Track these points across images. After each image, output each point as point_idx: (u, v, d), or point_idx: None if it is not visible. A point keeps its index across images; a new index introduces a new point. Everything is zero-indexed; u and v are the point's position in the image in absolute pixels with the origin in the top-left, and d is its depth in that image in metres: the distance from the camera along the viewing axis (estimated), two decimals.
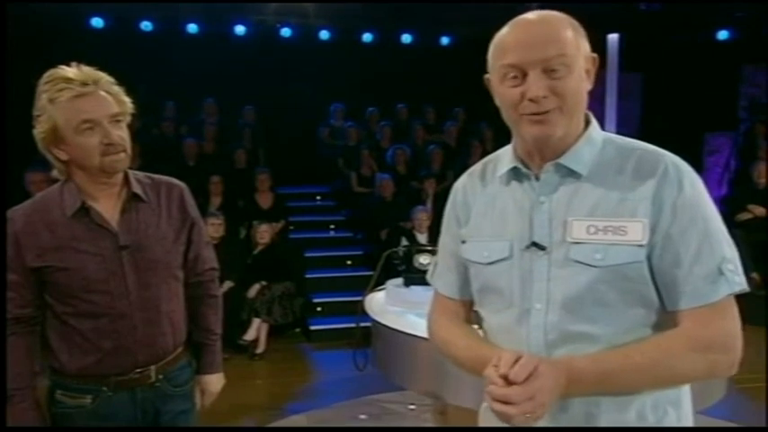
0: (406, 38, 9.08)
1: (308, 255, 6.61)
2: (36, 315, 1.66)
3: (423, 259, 2.67)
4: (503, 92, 1.16)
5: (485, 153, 7.27)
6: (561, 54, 1.11)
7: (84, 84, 1.53)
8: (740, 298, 1.16)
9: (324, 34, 8.78)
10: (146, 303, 1.65)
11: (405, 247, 2.92)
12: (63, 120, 1.53)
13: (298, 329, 5.88)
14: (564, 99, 1.12)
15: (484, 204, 1.26)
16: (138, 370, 1.66)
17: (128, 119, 1.62)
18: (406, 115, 8.58)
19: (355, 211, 7.26)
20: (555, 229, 1.15)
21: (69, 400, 1.65)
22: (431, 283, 1.41)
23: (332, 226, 7.37)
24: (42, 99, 1.54)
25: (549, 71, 1.11)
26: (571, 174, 1.17)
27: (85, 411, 1.64)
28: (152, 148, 6.37)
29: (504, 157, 1.25)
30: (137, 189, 1.67)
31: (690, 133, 8.51)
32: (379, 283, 2.97)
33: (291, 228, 6.80)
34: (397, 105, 8.66)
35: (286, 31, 8.61)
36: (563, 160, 1.17)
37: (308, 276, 6.27)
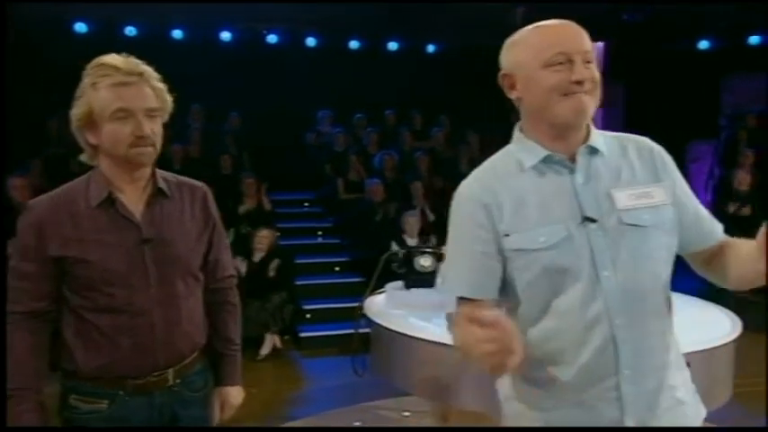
0: (393, 45, 9.11)
1: (296, 261, 6.56)
2: (51, 309, 1.60)
3: (423, 261, 2.65)
4: (545, 76, 1.30)
5: (472, 159, 7.32)
6: (590, 50, 1.32)
7: (129, 74, 1.55)
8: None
9: (311, 41, 8.77)
10: (166, 300, 1.61)
11: (405, 249, 2.90)
12: (100, 105, 1.53)
13: (287, 337, 5.82)
14: (595, 84, 1.32)
15: (517, 197, 1.33)
16: (156, 373, 1.61)
17: (166, 117, 1.63)
18: (393, 121, 8.59)
19: (343, 217, 7.23)
20: (602, 202, 1.31)
21: (84, 405, 1.59)
22: (449, 293, 1.37)
23: (319, 232, 7.33)
24: (85, 82, 1.55)
25: (586, 61, 1.30)
26: (596, 153, 1.35)
27: (101, 417, 1.58)
28: None
29: (524, 153, 1.36)
30: (162, 185, 1.65)
31: (673, 141, 8.55)
32: (376, 286, 2.95)
33: (279, 234, 6.75)
34: (385, 112, 8.67)
35: (272, 38, 8.59)
36: (591, 142, 1.34)
37: (297, 283, 6.23)
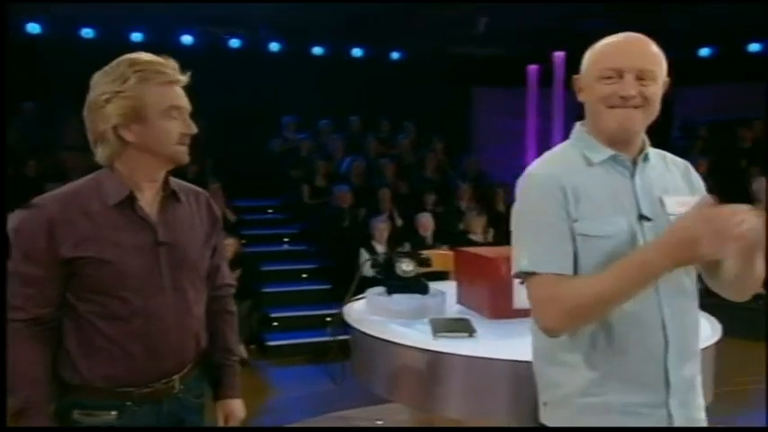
0: (357, 52, 9.11)
1: (262, 269, 6.45)
2: (56, 317, 1.50)
3: (405, 266, 2.61)
4: (598, 87, 1.43)
5: (439, 165, 7.33)
6: (651, 68, 1.41)
7: (176, 73, 1.56)
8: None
9: (274, 46, 8.70)
10: (179, 305, 1.55)
11: (385, 253, 2.86)
12: (153, 101, 1.51)
13: (253, 346, 5.71)
14: (647, 101, 1.41)
15: (584, 188, 1.42)
16: (165, 380, 1.55)
17: None
18: (358, 128, 8.57)
19: (309, 223, 7.16)
20: (654, 205, 1.43)
21: (89, 419, 1.50)
22: (537, 271, 1.39)
23: (285, 239, 7.22)
24: (132, 78, 1.50)
25: (640, 78, 1.40)
26: (648, 161, 1.48)
27: (108, 428, 1.50)
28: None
29: (591, 150, 1.47)
30: (175, 187, 1.63)
31: None
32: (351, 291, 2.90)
33: (244, 241, 6.64)
34: (350, 118, 8.64)
35: (235, 42, 8.49)
36: (648, 151, 1.48)
37: (263, 291, 6.12)
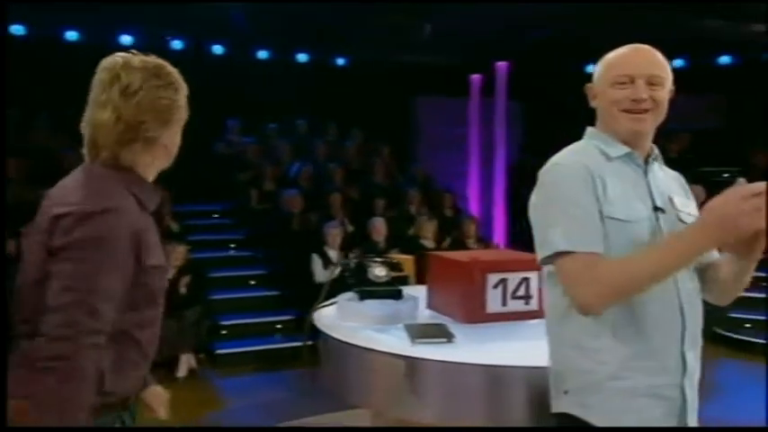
0: (302, 57, 9.04)
1: (209, 275, 6.29)
2: None
3: (378, 271, 2.59)
4: (611, 93, 1.56)
5: (387, 170, 7.34)
6: (660, 74, 1.55)
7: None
8: None
9: (217, 48, 8.53)
10: (167, 305, 1.54)
11: (356, 258, 2.84)
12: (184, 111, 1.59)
13: (202, 355, 5.56)
14: (657, 104, 1.54)
15: (613, 175, 1.52)
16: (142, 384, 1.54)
17: None
18: (305, 132, 8.49)
19: (256, 228, 7.02)
20: (665, 199, 1.56)
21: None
22: (574, 250, 1.43)
23: (232, 245, 7.07)
24: (174, 85, 1.55)
25: (650, 84, 1.53)
26: (656, 162, 1.63)
27: (108, 428, 1.42)
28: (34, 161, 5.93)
29: (608, 146, 1.58)
30: None
31: None
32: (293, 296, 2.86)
33: (190, 247, 6.44)
34: (297, 122, 8.55)
35: (177, 44, 8.27)
36: (657, 153, 1.62)
37: (211, 298, 5.97)
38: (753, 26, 7.00)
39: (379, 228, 5.99)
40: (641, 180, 1.56)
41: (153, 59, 1.51)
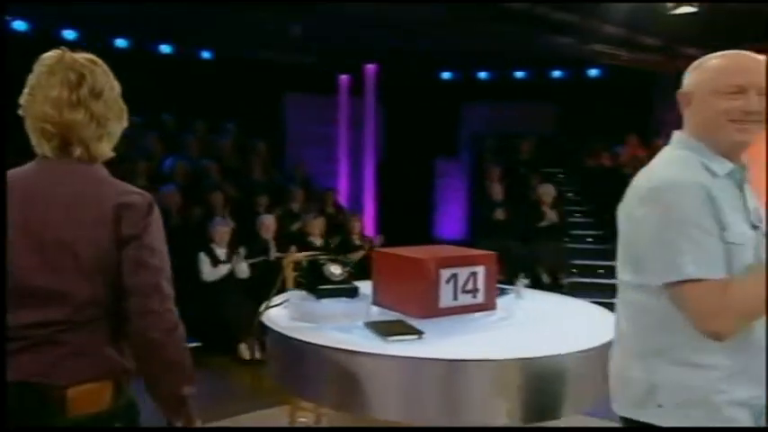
0: (165, 48, 8.61)
1: None
2: None
3: (334, 269, 2.64)
4: (717, 102, 1.51)
5: (265, 167, 7.24)
6: (764, 84, 1.49)
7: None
8: None
9: (69, 34, 7.84)
10: None
11: (308, 257, 2.87)
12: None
13: None
14: (765, 116, 1.50)
15: (721, 197, 1.48)
16: None
17: None
18: (173, 127, 8.10)
19: None
20: (755, 214, 1.56)
21: None
22: (704, 278, 1.42)
23: None
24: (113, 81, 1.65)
25: (760, 94, 1.49)
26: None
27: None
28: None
29: (713, 162, 1.53)
30: None
31: (423, 159, 9.77)
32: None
33: None
34: (163, 116, 8.14)
35: (20, 25, 7.49)
36: (745, 163, 1.58)
37: None
38: (592, 45, 7.76)
39: (268, 225, 5.95)
40: (738, 196, 1.54)
41: (93, 57, 1.62)
